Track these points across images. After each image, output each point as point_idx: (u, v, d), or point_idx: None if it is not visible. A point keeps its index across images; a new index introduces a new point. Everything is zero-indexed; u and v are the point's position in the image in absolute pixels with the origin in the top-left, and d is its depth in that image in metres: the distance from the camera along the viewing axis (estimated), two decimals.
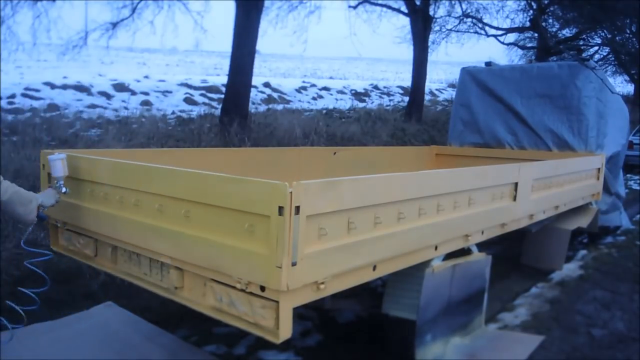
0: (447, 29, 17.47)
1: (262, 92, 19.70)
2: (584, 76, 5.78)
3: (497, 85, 6.38)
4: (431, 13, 15.93)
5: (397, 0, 16.19)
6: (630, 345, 3.69)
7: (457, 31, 17.60)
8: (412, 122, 14.79)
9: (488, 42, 18.07)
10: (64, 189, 2.86)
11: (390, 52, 30.52)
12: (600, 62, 20.08)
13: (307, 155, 5.17)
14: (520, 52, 20.96)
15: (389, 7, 16.31)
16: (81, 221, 3.01)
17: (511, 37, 19.38)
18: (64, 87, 15.93)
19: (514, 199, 3.87)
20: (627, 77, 25.20)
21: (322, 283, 2.24)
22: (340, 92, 22.85)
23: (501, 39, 18.22)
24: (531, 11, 17.48)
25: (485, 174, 3.52)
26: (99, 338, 3.29)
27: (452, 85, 25.47)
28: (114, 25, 11.20)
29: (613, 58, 21.65)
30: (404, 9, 15.84)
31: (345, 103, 19.63)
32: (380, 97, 23.06)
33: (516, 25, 18.15)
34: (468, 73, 6.73)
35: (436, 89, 26.31)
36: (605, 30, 18.28)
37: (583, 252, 6.03)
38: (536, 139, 6.09)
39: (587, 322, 4.06)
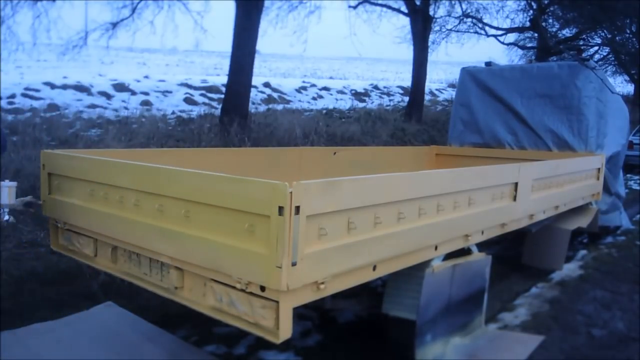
0: (447, 29, 17.46)
1: (262, 92, 19.68)
2: (584, 76, 5.79)
3: (497, 85, 6.38)
4: (431, 13, 15.93)
5: (397, 0, 16.22)
6: (630, 345, 3.68)
7: (457, 31, 17.60)
8: (412, 122, 14.79)
9: (488, 42, 18.07)
10: (6, 217, 2.78)
11: (390, 52, 30.56)
12: (600, 62, 20.06)
13: (307, 155, 5.17)
14: (520, 52, 20.92)
15: (389, 7, 16.31)
16: (81, 221, 3.01)
17: (511, 37, 19.39)
18: (64, 87, 15.90)
19: (514, 199, 3.87)
20: (627, 77, 25.16)
21: (322, 283, 2.25)
22: (340, 92, 22.82)
23: (501, 39, 18.20)
24: (531, 11, 17.47)
25: (485, 174, 3.52)
26: (99, 338, 3.29)
27: (452, 85, 25.44)
28: (114, 25, 11.20)
29: (613, 58, 21.61)
30: (404, 9, 15.84)
31: (345, 103, 19.60)
32: (380, 97, 23.03)
33: (516, 25, 18.14)
34: (468, 73, 6.73)
35: (436, 89, 26.28)
36: (605, 30, 18.27)
37: (583, 252, 6.03)
38: (536, 139, 6.09)
39: (587, 322, 4.05)
